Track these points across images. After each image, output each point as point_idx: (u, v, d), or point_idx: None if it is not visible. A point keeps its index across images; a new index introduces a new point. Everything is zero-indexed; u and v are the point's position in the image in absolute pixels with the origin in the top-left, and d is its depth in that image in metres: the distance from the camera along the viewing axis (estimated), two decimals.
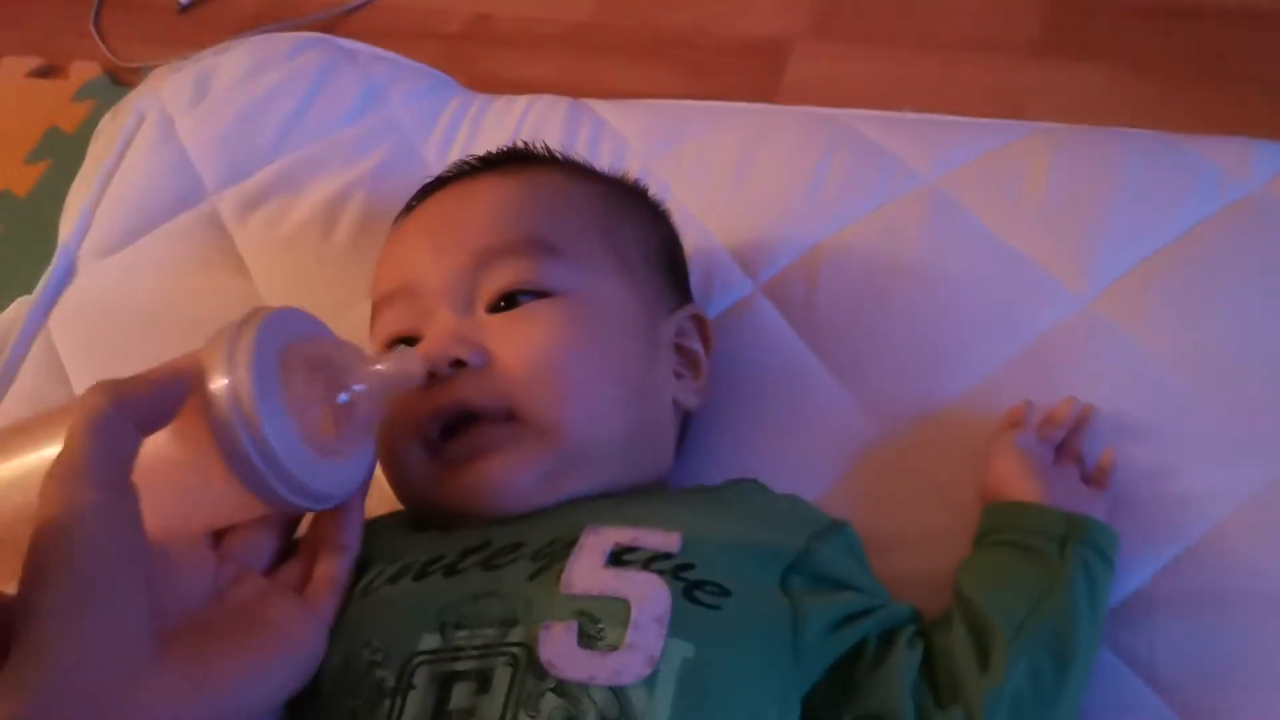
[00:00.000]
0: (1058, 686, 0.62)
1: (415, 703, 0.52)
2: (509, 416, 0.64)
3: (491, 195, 0.72)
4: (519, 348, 0.64)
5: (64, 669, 0.43)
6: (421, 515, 0.67)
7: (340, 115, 1.03)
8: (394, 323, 0.69)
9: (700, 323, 0.75)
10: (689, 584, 0.56)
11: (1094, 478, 0.73)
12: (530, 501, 0.63)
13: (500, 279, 0.67)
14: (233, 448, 0.49)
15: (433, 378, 0.63)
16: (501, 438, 0.63)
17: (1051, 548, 0.66)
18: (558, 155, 0.79)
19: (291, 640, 0.53)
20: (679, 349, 0.73)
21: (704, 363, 0.74)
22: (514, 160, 0.77)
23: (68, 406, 0.51)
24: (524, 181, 0.74)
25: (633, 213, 0.76)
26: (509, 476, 0.63)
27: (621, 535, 0.58)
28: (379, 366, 0.56)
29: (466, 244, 0.68)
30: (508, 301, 0.67)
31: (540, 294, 0.67)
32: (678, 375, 0.72)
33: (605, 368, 0.66)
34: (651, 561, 0.56)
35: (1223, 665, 0.67)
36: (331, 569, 0.58)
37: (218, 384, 0.50)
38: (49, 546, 0.45)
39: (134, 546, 0.47)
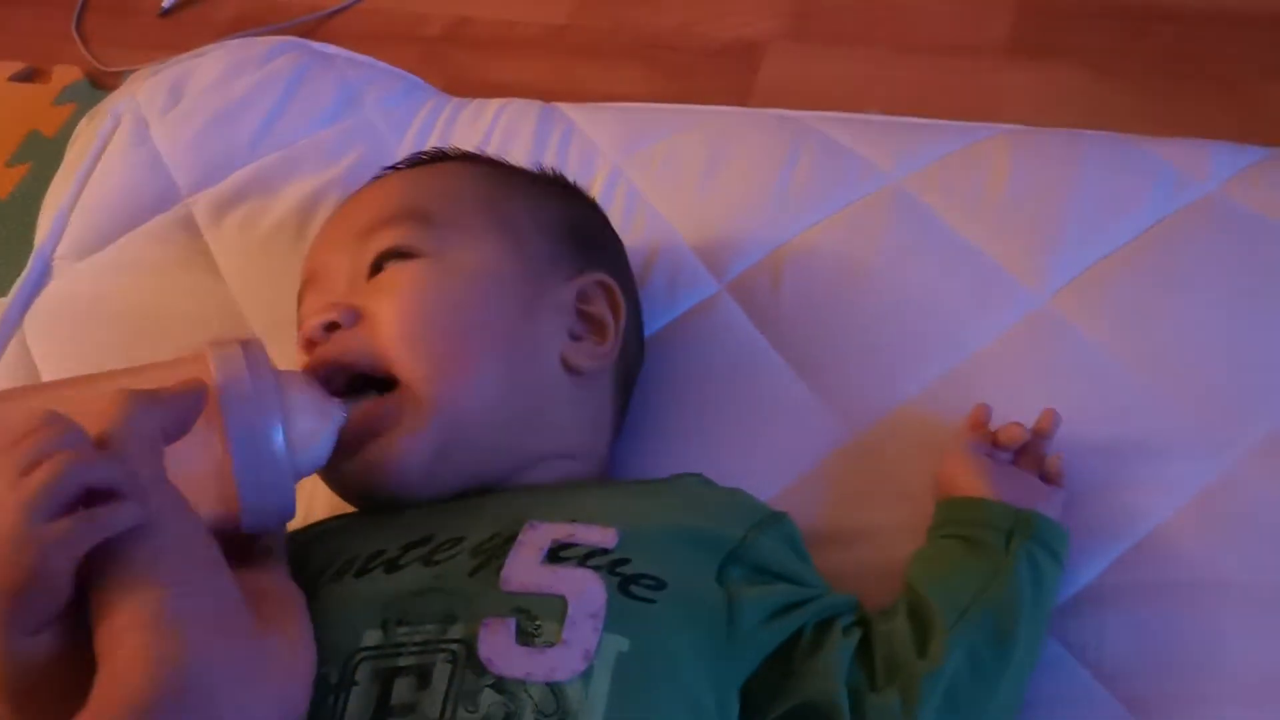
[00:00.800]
0: (997, 674, 0.63)
1: (358, 698, 0.53)
2: (383, 381, 0.65)
3: (387, 185, 0.76)
4: (385, 303, 0.67)
5: (198, 644, 0.45)
6: (345, 496, 0.68)
7: (315, 119, 1.03)
8: (304, 309, 0.73)
9: (608, 289, 0.75)
10: (624, 578, 0.56)
11: (1048, 477, 0.73)
12: (429, 476, 0.65)
13: (376, 246, 0.69)
14: (247, 454, 0.53)
15: (311, 345, 0.66)
16: (381, 419, 0.64)
17: (998, 541, 0.67)
18: (478, 153, 0.81)
19: (301, 599, 0.55)
20: (583, 315, 0.73)
21: (610, 327, 0.74)
22: (428, 160, 0.80)
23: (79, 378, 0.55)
24: (421, 171, 0.77)
25: (530, 188, 0.78)
26: (398, 456, 0.64)
27: (559, 531, 0.59)
28: (343, 404, 0.61)
29: (355, 226, 0.71)
30: (383, 267, 0.69)
31: (412, 256, 0.69)
32: (577, 337, 0.72)
33: (468, 319, 0.68)
34: (588, 558, 0.57)
35: (1166, 656, 0.68)
36: (271, 540, 0.58)
37: (242, 393, 0.53)
38: (135, 546, 0.46)
39: (206, 534, 0.49)
